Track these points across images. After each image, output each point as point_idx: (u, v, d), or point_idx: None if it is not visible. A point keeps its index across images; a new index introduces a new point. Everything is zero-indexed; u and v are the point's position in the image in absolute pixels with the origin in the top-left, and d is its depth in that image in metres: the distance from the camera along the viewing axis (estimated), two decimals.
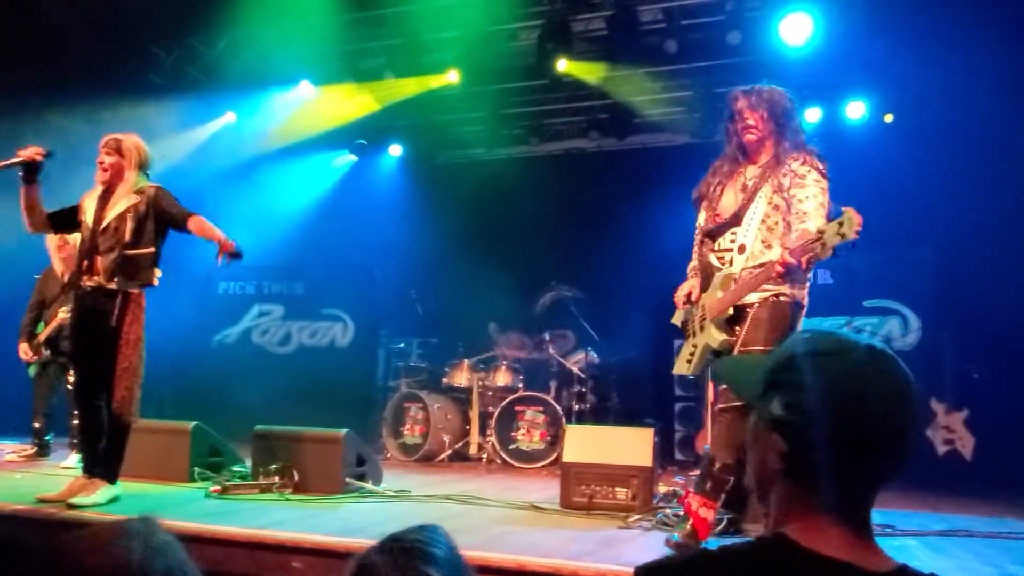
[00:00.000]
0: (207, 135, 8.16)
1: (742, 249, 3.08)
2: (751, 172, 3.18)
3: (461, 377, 6.58)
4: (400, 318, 7.53)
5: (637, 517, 3.49)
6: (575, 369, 6.43)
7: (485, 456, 6.15)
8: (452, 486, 4.58)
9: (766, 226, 3.06)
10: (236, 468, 4.55)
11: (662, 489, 4.27)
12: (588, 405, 6.36)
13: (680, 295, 3.36)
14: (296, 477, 4.09)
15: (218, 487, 4.02)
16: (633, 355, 6.82)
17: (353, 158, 8.81)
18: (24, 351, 5.40)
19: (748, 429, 1.10)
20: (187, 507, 3.59)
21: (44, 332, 5.37)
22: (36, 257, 5.52)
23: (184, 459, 4.40)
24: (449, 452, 6.26)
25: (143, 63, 7.53)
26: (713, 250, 3.23)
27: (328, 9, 7.00)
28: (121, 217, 3.68)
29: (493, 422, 6.10)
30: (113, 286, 3.61)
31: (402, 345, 7.34)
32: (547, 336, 6.65)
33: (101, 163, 3.72)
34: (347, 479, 4.15)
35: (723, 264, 3.15)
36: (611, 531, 3.31)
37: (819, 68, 6.57)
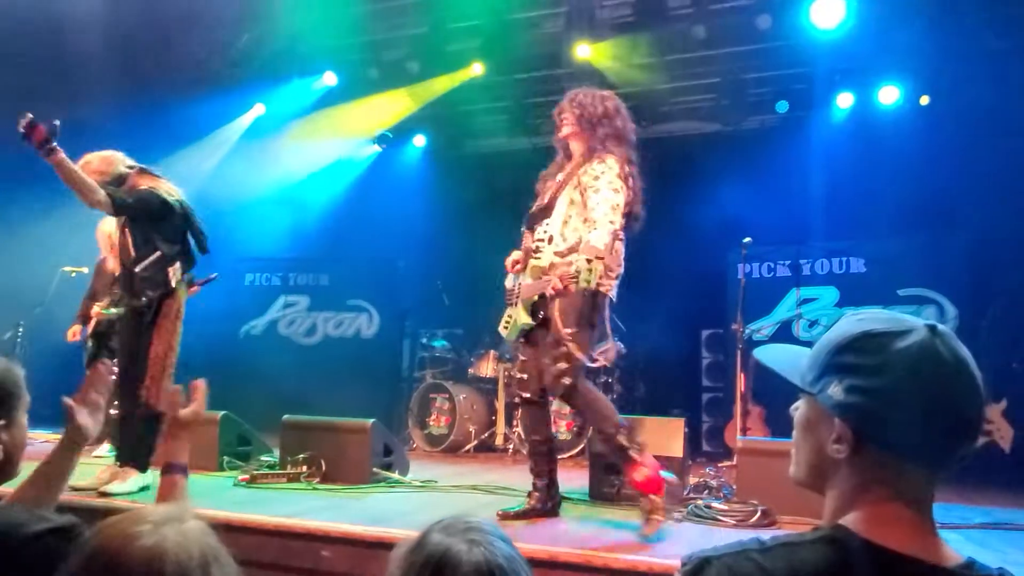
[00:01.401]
0: (240, 129, 8.22)
1: (550, 240, 3.26)
2: (567, 169, 3.35)
3: (487, 368, 6.55)
4: (425, 309, 7.53)
5: (668, 508, 3.43)
6: (602, 359, 6.36)
7: (511, 447, 6.13)
8: (478, 477, 4.56)
9: (563, 220, 3.23)
10: (264, 457, 4.58)
11: (692, 481, 4.20)
12: (615, 395, 6.30)
13: (509, 261, 3.52)
14: (324, 467, 4.09)
15: (247, 476, 4.04)
16: (660, 345, 6.75)
17: (377, 149, 8.81)
18: (72, 333, 5.49)
19: (797, 417, 1.04)
20: (216, 496, 3.61)
21: (89, 325, 5.43)
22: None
23: (213, 448, 4.44)
24: (475, 443, 6.24)
25: (173, 59, 7.59)
26: (532, 238, 3.38)
27: (352, 0, 7.00)
28: (121, 232, 3.75)
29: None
30: (142, 301, 3.67)
31: (427, 336, 7.33)
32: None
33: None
34: (374, 469, 4.15)
35: (536, 253, 3.31)
36: (640, 522, 3.25)
37: (851, 52, 6.43)
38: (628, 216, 3.21)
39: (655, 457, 3.69)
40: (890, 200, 6.40)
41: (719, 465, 5.26)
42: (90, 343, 5.36)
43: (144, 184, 3.70)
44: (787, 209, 6.77)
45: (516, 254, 3.47)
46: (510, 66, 7.41)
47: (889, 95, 6.79)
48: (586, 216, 3.12)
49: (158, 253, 3.69)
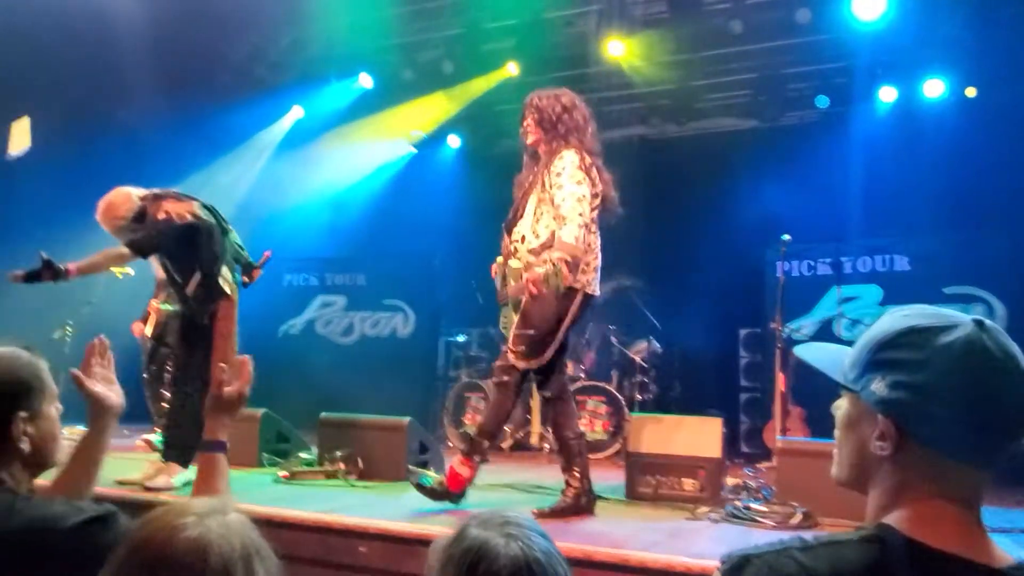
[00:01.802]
0: (280, 132, 8.38)
1: (523, 239, 3.33)
2: (536, 171, 3.38)
3: None
4: (460, 308, 7.56)
5: (706, 509, 3.40)
6: (637, 359, 6.33)
7: (547, 446, 6.11)
8: (513, 475, 4.56)
9: (534, 219, 3.29)
10: (303, 454, 4.64)
11: (730, 482, 4.15)
12: (651, 395, 6.26)
13: (493, 268, 3.59)
14: (361, 464, 4.14)
15: (286, 473, 4.11)
16: (696, 345, 6.68)
17: (412, 150, 8.88)
18: (136, 328, 5.67)
19: (839, 416, 1.02)
20: (257, 492, 3.67)
21: (149, 323, 5.59)
22: None
23: (253, 445, 4.51)
24: (510, 442, 6.25)
25: (214, 65, 7.75)
26: (510, 240, 3.44)
27: (386, 2, 7.06)
28: (160, 264, 3.89)
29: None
30: (204, 320, 3.81)
31: (462, 335, 7.36)
32: (608, 326, 6.57)
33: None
34: (410, 467, 4.17)
35: (515, 255, 3.37)
36: (678, 522, 3.23)
37: (894, 44, 6.27)
38: (602, 204, 3.26)
39: (691, 456, 3.69)
40: (935, 196, 6.23)
41: (758, 466, 5.19)
42: (150, 342, 5.52)
43: (161, 212, 3.70)
44: (827, 206, 6.64)
45: (498, 260, 3.52)
46: (543, 65, 7.40)
47: (934, 88, 6.61)
48: (555, 213, 3.17)
49: (200, 273, 3.78)
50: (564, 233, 3.07)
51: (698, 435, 3.82)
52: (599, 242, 3.32)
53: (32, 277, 3.38)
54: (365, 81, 7.97)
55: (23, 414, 1.43)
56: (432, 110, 8.15)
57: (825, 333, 6.30)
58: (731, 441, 6.35)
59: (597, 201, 3.23)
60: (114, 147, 6.95)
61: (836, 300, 6.41)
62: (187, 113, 7.34)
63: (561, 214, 3.11)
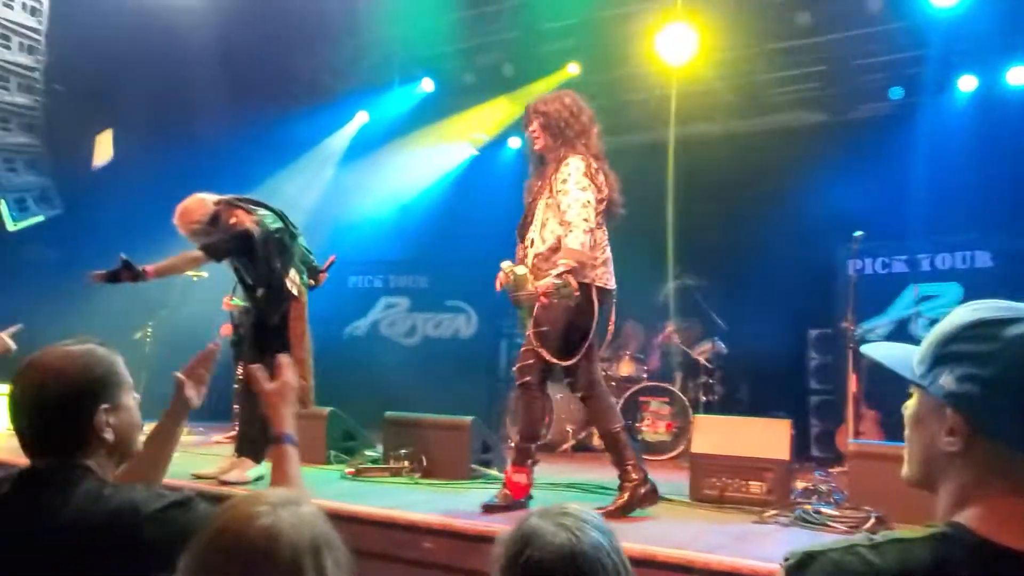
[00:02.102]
0: (347, 138, 8.59)
1: (532, 244, 3.40)
2: (545, 176, 3.41)
3: None
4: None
5: (773, 512, 3.31)
6: (701, 360, 6.22)
7: None
8: (575, 475, 4.54)
9: (541, 224, 3.34)
10: (368, 452, 4.74)
11: (800, 485, 4.03)
12: (716, 397, 6.14)
13: (499, 277, 3.55)
14: (424, 462, 4.19)
15: (352, 469, 4.21)
16: (763, 346, 6.50)
17: (474, 152, 8.95)
18: (224, 329, 5.95)
19: (908, 413, 1.00)
20: (325, 487, 3.77)
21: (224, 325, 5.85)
22: None
23: (321, 442, 4.64)
24: (572, 442, 6.23)
25: (282, 76, 8.01)
26: (522, 248, 3.50)
27: (446, 7, 7.16)
28: (232, 268, 4.02)
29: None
30: (274, 320, 3.97)
31: (524, 336, 7.36)
32: (671, 326, 6.48)
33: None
34: (473, 465, 4.22)
35: (523, 260, 3.43)
36: (745, 525, 3.16)
37: (974, 31, 5.99)
38: (608, 207, 3.34)
39: (758, 458, 3.60)
40: (1019, 189, 5.91)
41: (829, 470, 5.02)
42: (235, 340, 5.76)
43: (232, 218, 3.90)
44: (902, 201, 6.38)
45: (506, 264, 3.50)
46: (603, 64, 7.36)
47: (1018, 76, 6.27)
48: (561, 219, 3.22)
49: (270, 274, 3.93)
50: (570, 240, 3.14)
51: (765, 437, 3.72)
52: (606, 237, 3.38)
53: (113, 277, 3.55)
54: (427, 85, 8.09)
55: (105, 406, 1.51)
56: (494, 114, 8.20)
57: (901, 333, 6.05)
58: (801, 445, 6.16)
59: (602, 206, 3.30)
60: (190, 157, 7.24)
61: (913, 299, 6.15)
62: (257, 123, 7.61)
63: (567, 220, 3.17)
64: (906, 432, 1.01)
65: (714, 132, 7.91)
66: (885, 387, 4.89)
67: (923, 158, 6.42)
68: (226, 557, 1.02)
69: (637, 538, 2.68)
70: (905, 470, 1.01)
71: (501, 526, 2.75)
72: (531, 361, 3.25)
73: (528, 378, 3.28)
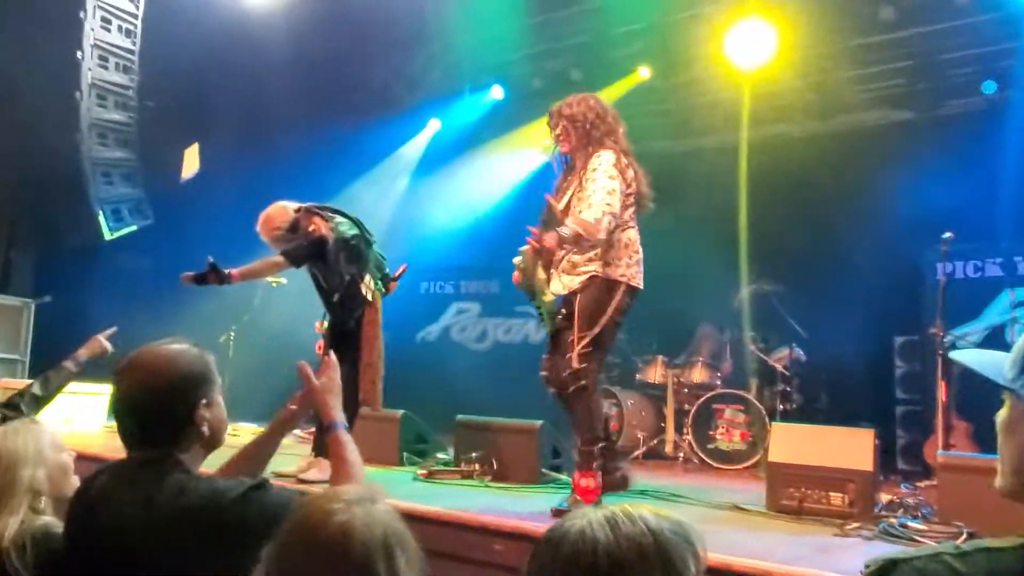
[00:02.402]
0: (420, 146, 8.76)
1: None
2: (575, 173, 3.44)
3: (655, 373, 6.44)
4: None
5: (856, 525, 3.18)
6: (779, 367, 6.03)
7: (681, 455, 5.97)
8: (647, 483, 4.48)
9: (570, 216, 3.32)
10: (440, 455, 4.81)
11: (884, 498, 3.85)
12: (794, 405, 5.94)
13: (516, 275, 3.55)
14: (495, 465, 4.22)
15: (424, 471, 4.27)
16: (845, 353, 6.26)
17: (545, 158, 8.96)
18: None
19: (1001, 419, 0.95)
20: (398, 488, 3.84)
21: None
22: None
23: (394, 444, 4.73)
24: (643, 449, 6.14)
25: (356, 88, 8.25)
26: None
27: (515, 14, 7.21)
28: (310, 274, 4.13)
29: (690, 420, 5.90)
30: (350, 325, 4.08)
31: None
32: (747, 332, 6.31)
33: None
34: (543, 470, 4.21)
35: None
36: (826, 538, 3.05)
37: None
38: (636, 200, 3.38)
39: (840, 468, 3.47)
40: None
41: (917, 484, 4.78)
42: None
43: (311, 225, 4.03)
44: (996, 201, 6.03)
45: (517, 260, 3.49)
46: (674, 67, 7.26)
47: None
48: (585, 203, 3.28)
49: (345, 279, 4.04)
50: (584, 212, 3.21)
51: (848, 447, 3.58)
52: (638, 237, 3.40)
53: (200, 279, 3.72)
54: (497, 93, 8.16)
55: (204, 401, 1.61)
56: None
57: (996, 340, 5.71)
58: (886, 456, 5.88)
59: (631, 199, 3.34)
60: (270, 168, 7.55)
61: (1009, 304, 5.80)
62: (334, 134, 7.85)
63: (589, 201, 3.23)
64: (999, 440, 0.96)
65: (791, 133, 7.69)
66: (978, 397, 4.62)
67: (1018, 154, 6.06)
68: (303, 552, 1.06)
69: (713, 547, 2.59)
70: (998, 480, 0.96)
71: None
72: (579, 366, 3.24)
73: (584, 381, 3.26)
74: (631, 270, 3.34)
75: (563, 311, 3.43)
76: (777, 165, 7.36)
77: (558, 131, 3.47)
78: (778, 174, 7.30)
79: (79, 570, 1.54)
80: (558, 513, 3.14)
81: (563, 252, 3.37)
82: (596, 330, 3.24)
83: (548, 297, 3.40)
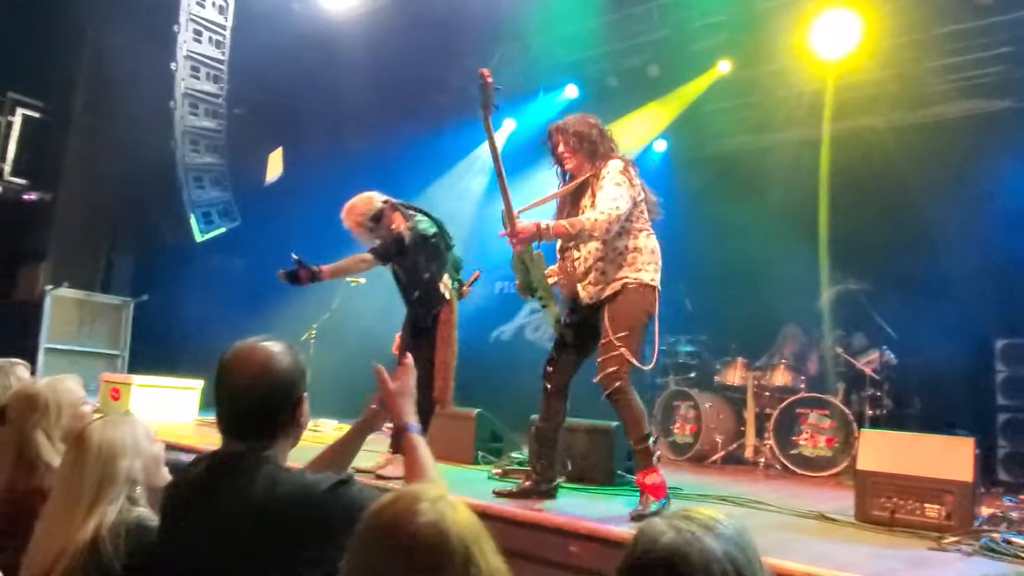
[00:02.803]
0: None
1: (577, 254, 3.53)
2: (581, 186, 3.52)
3: (734, 375, 6.26)
4: (668, 314, 7.38)
5: (954, 539, 2.99)
6: (867, 370, 5.76)
7: (762, 460, 5.78)
8: (727, 488, 4.36)
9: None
10: (515, 454, 4.81)
11: (985, 511, 3.62)
12: (884, 411, 5.66)
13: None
14: (569, 466, 4.19)
15: (499, 470, 4.27)
16: (940, 356, 5.91)
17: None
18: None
19: None
20: (473, 486, 3.85)
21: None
22: None
23: (469, 443, 4.76)
24: (722, 454, 5.99)
25: (433, 90, 8.36)
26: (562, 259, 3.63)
27: (590, 12, 7.16)
28: (391, 271, 4.20)
29: (771, 424, 5.71)
30: (428, 323, 4.16)
31: (670, 342, 7.19)
32: (833, 334, 6.06)
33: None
34: (618, 472, 4.16)
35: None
36: (920, 551, 2.88)
37: None
38: (648, 207, 3.49)
39: (936, 479, 3.29)
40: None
41: (1022, 497, 4.48)
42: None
43: (392, 222, 4.12)
44: None
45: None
46: (756, 60, 7.05)
47: None
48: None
49: (424, 277, 4.09)
50: (588, 213, 3.32)
51: (944, 456, 3.37)
52: (657, 244, 3.51)
53: (292, 277, 3.82)
54: (571, 92, 8.12)
55: (304, 395, 1.70)
56: (646, 120, 8.07)
57: None
58: (987, 467, 5.54)
59: (641, 206, 3.45)
60: (350, 171, 7.74)
61: None
62: (412, 136, 7.98)
63: (596, 204, 3.34)
64: None
65: (877, 126, 7.34)
66: None
67: None
68: (397, 552, 1.08)
69: (800, 557, 2.52)
70: None
71: None
72: (616, 367, 3.28)
73: (619, 383, 3.29)
74: (659, 275, 3.48)
75: (569, 319, 3.57)
76: (862, 159, 7.04)
77: (561, 148, 3.54)
78: (863, 168, 6.98)
79: (174, 561, 1.59)
80: (637, 517, 3.09)
81: (585, 262, 3.47)
82: (630, 333, 3.31)
83: (553, 309, 3.58)
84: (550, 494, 3.54)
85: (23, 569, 1.68)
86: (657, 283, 3.45)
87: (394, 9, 7.37)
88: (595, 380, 3.35)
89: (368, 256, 4.01)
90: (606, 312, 3.35)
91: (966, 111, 6.88)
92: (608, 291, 3.38)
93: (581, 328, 3.54)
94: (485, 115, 3.30)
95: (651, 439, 3.31)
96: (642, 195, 3.47)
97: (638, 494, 3.26)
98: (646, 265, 3.41)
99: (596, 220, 3.26)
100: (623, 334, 3.29)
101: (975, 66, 6.67)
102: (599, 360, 3.33)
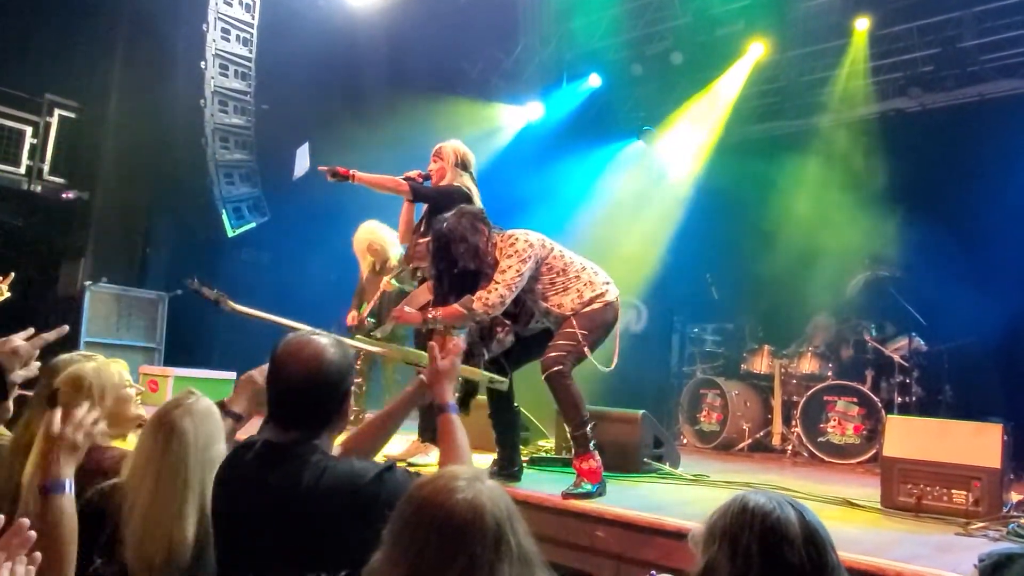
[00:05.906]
0: (514, 134, 8.81)
1: None
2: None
3: (761, 363, 6.26)
4: (695, 303, 7.39)
5: (981, 525, 3.00)
6: (896, 357, 5.72)
7: (789, 448, 5.78)
8: (754, 476, 4.39)
9: None
10: (541, 442, 4.87)
11: (1014, 498, 3.60)
12: (913, 398, 5.62)
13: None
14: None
15: (526, 458, 4.33)
16: (971, 342, 5.84)
17: (642, 145, 8.84)
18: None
19: None
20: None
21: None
22: None
23: None
24: (749, 441, 6.00)
25: (455, 82, 8.40)
26: None
27: (612, 1, 7.15)
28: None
29: (798, 412, 5.70)
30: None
31: (697, 330, 7.19)
32: (861, 321, 6.02)
33: (430, 170, 4.24)
34: (645, 459, 4.20)
35: None
36: (946, 537, 2.89)
37: None
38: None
39: (963, 465, 3.28)
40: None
41: None
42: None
43: (444, 180, 4.19)
44: None
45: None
46: (783, 43, 6.99)
47: None
48: None
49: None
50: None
51: (972, 442, 3.37)
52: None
53: (335, 173, 4.10)
54: (594, 81, 8.11)
55: (350, 389, 1.78)
56: (663, 107, 8.05)
57: None
58: (1018, 454, 5.47)
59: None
60: (375, 165, 7.81)
61: None
62: (427, 125, 8.01)
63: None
64: None
65: (909, 109, 7.23)
66: None
67: None
68: (435, 529, 1.16)
69: None
70: None
71: (673, 519, 2.75)
72: (565, 353, 3.41)
73: (561, 367, 3.40)
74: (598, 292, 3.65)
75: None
76: (894, 143, 6.94)
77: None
78: (895, 151, 6.88)
79: (227, 547, 1.67)
80: (568, 496, 3.17)
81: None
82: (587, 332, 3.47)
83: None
84: (517, 477, 3.65)
85: (128, 560, 1.68)
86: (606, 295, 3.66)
87: (416, 1, 7.42)
88: (541, 358, 3.44)
89: (404, 186, 4.11)
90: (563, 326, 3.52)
91: (1006, 90, 6.75)
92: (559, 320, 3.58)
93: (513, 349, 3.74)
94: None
95: (588, 425, 3.39)
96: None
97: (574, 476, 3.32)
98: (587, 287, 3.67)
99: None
100: (584, 332, 3.44)
101: (1015, 44, 6.55)
102: (552, 342, 3.47)
